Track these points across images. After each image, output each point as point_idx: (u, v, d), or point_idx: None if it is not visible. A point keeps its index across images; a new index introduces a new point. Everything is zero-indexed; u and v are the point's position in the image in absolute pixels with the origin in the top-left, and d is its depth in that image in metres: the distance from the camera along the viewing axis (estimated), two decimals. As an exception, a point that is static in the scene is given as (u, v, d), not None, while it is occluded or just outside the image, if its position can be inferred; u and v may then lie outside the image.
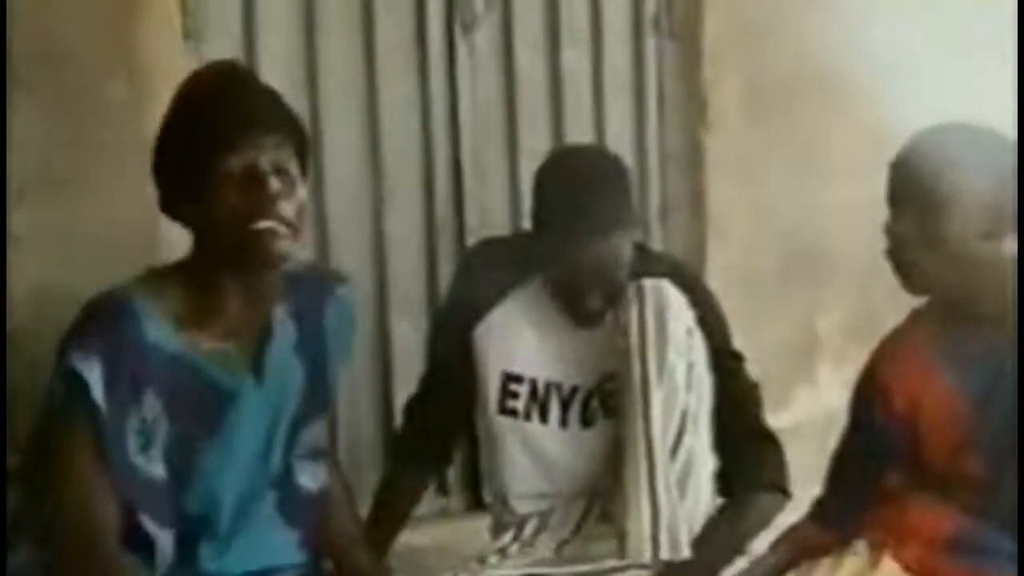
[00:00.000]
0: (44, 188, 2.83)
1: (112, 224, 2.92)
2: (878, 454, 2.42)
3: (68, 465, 2.14)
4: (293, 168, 2.19)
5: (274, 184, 2.15)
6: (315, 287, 2.38)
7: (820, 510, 2.53)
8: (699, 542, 2.64)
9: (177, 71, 3.02)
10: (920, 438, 2.37)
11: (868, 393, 2.43)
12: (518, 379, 2.75)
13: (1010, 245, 2.25)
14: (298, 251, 2.28)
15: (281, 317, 2.31)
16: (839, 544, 2.44)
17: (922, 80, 3.81)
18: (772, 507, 2.73)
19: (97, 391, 2.11)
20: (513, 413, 2.75)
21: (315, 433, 2.40)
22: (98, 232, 2.90)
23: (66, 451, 2.14)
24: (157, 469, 2.18)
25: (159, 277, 2.24)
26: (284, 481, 2.35)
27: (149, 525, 2.18)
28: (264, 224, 2.14)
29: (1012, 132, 2.33)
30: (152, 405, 2.17)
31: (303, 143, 2.25)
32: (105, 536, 2.14)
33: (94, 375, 2.11)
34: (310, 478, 2.39)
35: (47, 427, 2.18)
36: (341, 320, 2.40)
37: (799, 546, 2.51)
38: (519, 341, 2.74)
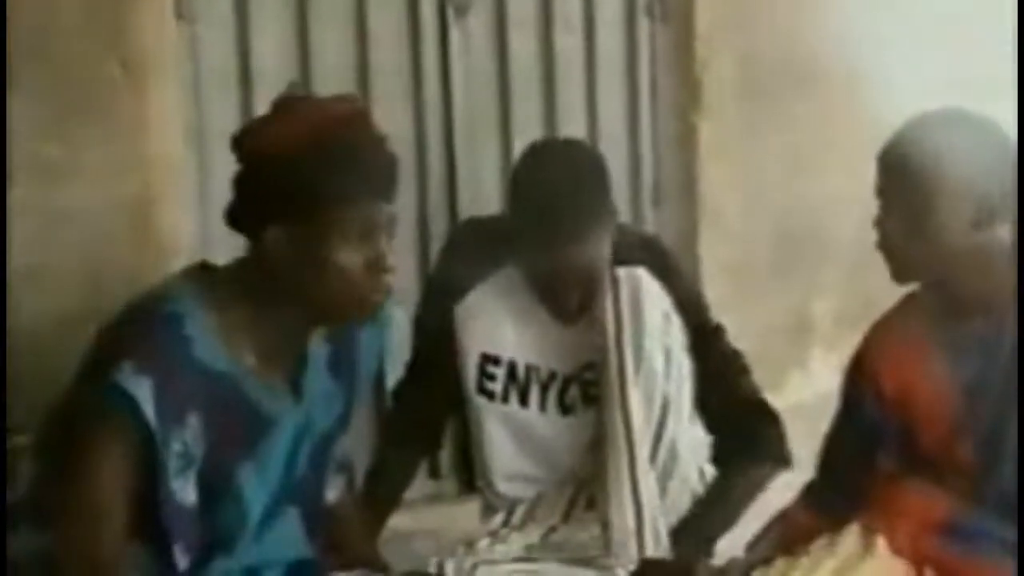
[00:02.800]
0: (36, 170, 2.82)
1: (104, 206, 2.92)
2: (869, 438, 2.42)
3: (96, 480, 2.02)
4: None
5: (386, 254, 2.11)
6: None
7: (812, 494, 2.53)
8: (683, 524, 2.65)
9: (170, 53, 3.04)
10: (911, 423, 2.36)
11: (859, 377, 2.43)
12: (495, 360, 2.74)
13: (1003, 232, 2.24)
14: None
15: (316, 338, 2.24)
16: (831, 529, 2.43)
17: (917, 64, 3.81)
18: (763, 476, 2.73)
19: (149, 411, 1.99)
20: (491, 395, 2.74)
21: (343, 447, 2.38)
22: (90, 214, 2.90)
23: (97, 465, 2.02)
24: (191, 495, 2.08)
25: (209, 281, 2.14)
26: (314, 496, 2.31)
27: (176, 552, 2.08)
28: (371, 295, 2.12)
29: (1011, 119, 2.31)
30: (194, 426, 2.06)
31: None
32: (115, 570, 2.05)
33: (146, 396, 1.99)
34: (332, 490, 2.39)
35: (75, 428, 2.05)
36: (375, 339, 2.34)
37: (790, 531, 2.50)
38: (497, 323, 2.73)
